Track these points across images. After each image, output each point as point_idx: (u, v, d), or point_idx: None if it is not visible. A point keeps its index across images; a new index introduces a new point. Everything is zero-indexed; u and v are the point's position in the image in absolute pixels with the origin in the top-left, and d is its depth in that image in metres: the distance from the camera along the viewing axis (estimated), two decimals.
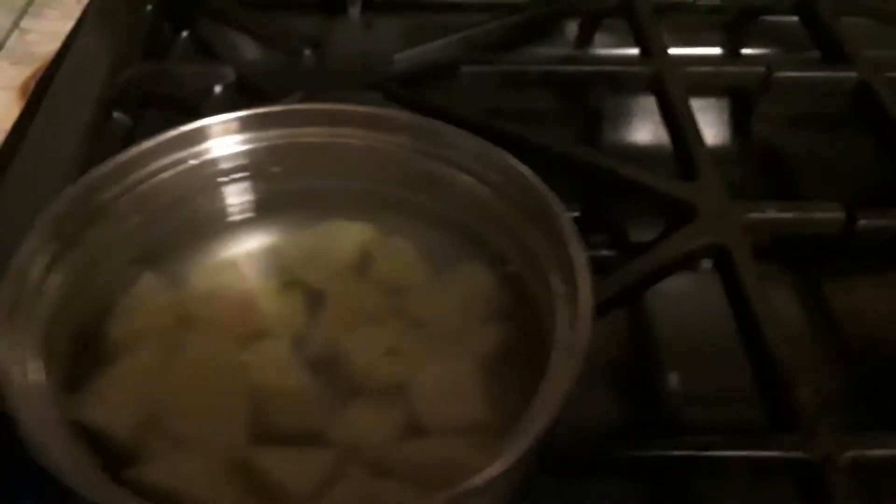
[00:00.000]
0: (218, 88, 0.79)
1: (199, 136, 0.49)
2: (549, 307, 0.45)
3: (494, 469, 0.37)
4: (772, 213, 0.58)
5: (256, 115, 0.50)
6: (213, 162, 0.51)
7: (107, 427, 0.43)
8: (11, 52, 0.79)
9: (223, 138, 0.50)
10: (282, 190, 0.53)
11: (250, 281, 0.51)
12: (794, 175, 0.70)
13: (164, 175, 0.49)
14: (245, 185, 0.52)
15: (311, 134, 0.51)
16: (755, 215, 0.58)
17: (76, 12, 0.82)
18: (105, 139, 0.72)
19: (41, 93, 0.75)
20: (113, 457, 0.42)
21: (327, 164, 0.52)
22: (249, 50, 0.82)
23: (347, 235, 0.52)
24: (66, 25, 0.81)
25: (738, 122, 0.74)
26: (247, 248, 0.53)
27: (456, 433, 0.44)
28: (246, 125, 0.50)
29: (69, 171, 0.68)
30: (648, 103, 0.70)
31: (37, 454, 0.37)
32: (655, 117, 0.69)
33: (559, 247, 0.44)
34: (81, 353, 0.46)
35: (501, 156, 0.48)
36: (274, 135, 0.51)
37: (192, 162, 0.50)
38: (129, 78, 0.73)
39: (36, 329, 0.43)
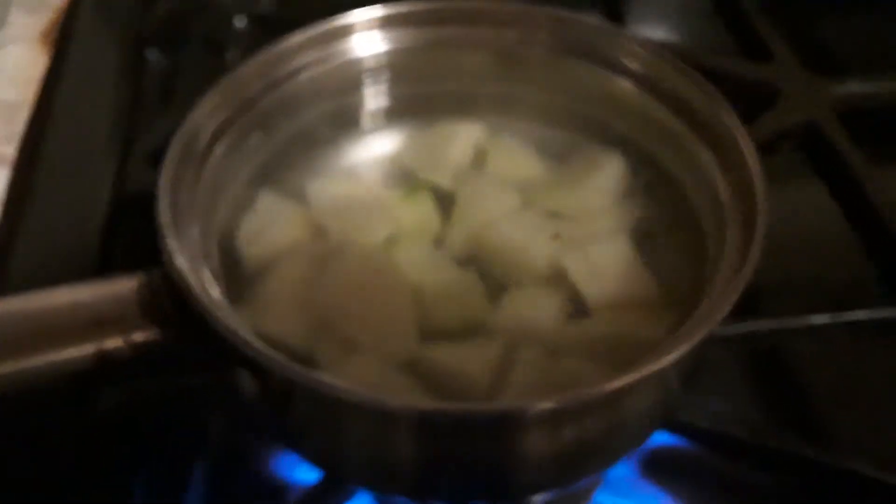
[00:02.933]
0: (241, 24, 0.78)
1: (342, 32, 0.48)
2: (698, 182, 0.46)
3: (691, 336, 0.38)
4: (855, 87, 0.59)
5: (398, 13, 0.49)
6: (355, 61, 0.50)
7: (281, 336, 0.43)
8: (24, 0, 0.76)
9: (364, 34, 0.49)
10: (411, 92, 0.52)
11: (376, 188, 0.50)
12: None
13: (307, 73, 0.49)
14: (378, 87, 0.51)
15: (450, 34, 0.50)
16: (839, 90, 0.59)
17: None
18: (141, 79, 0.71)
19: (65, 39, 0.72)
20: None
21: (460, 65, 0.52)
22: None
23: (460, 135, 0.52)
24: None
25: None
26: (366, 155, 0.52)
27: (619, 310, 0.45)
28: (386, 23, 0.49)
29: (109, 115, 0.67)
30: None
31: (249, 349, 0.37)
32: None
33: (713, 127, 0.45)
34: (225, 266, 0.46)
35: (651, 47, 0.49)
36: (414, 34, 0.50)
37: (336, 61, 0.49)
38: (162, 13, 0.71)
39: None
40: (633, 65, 0.49)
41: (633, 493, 0.51)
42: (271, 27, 0.75)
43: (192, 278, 0.39)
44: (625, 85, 0.49)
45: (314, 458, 0.44)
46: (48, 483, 0.47)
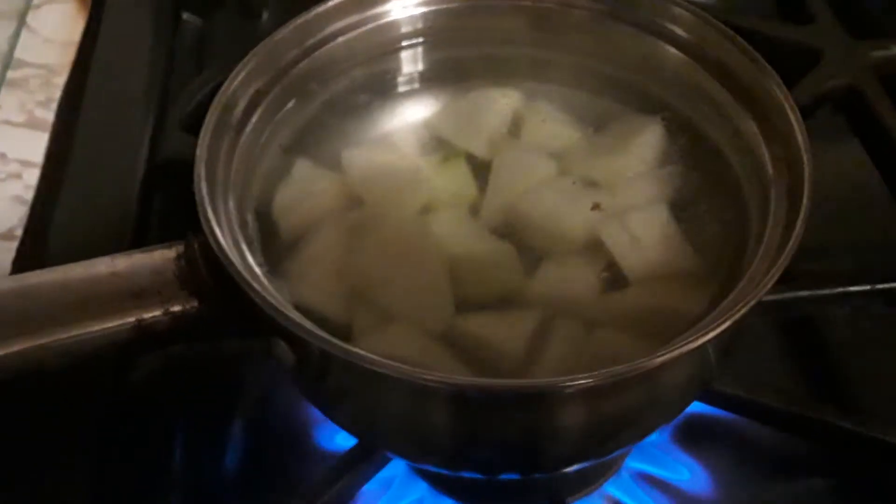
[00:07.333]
0: None
1: None
2: (740, 151, 0.46)
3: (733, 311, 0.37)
4: None
5: None
6: (390, 25, 0.49)
7: (318, 305, 0.43)
8: None
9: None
10: (447, 57, 0.51)
11: (411, 155, 0.50)
12: None
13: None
14: (414, 52, 0.51)
15: None
16: (880, 53, 0.58)
17: None
18: (176, 42, 0.71)
19: (101, 1, 0.72)
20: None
21: (497, 29, 0.51)
22: None
23: (497, 102, 0.51)
24: None
25: None
26: (402, 122, 0.52)
27: (657, 281, 0.45)
28: None
29: (145, 78, 0.66)
30: None
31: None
32: None
33: (759, 97, 0.44)
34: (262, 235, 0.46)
35: (695, 11, 0.48)
36: None
37: (371, 25, 0.49)
38: None
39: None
40: (676, 30, 0.48)
41: (664, 459, 0.51)
42: None
43: (229, 249, 0.39)
44: (667, 50, 0.48)
45: (348, 427, 0.45)
46: (89, 447, 0.47)
